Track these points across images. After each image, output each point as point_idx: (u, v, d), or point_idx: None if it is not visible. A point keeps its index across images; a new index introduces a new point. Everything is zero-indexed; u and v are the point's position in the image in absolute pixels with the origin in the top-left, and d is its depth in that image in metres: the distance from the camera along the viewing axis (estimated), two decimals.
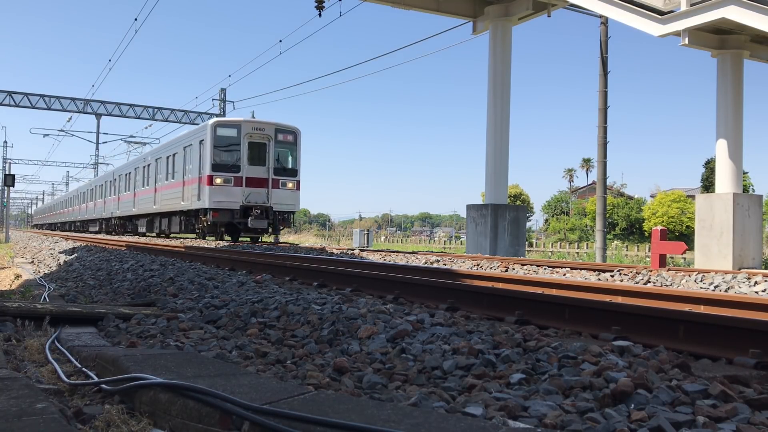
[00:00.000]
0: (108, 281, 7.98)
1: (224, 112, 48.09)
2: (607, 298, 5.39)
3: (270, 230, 21.73)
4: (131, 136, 53.25)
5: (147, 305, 5.19)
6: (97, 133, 53.52)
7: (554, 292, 5.91)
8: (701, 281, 7.81)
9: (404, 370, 2.80)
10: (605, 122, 21.02)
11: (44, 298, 5.71)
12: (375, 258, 13.49)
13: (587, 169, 78.36)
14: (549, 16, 18.04)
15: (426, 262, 12.15)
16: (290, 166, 22.33)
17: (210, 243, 21.25)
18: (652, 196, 52.23)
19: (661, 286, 7.79)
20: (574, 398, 2.28)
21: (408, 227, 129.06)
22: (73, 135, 53.03)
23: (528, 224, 49.93)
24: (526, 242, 25.51)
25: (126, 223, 34.96)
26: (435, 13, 19.18)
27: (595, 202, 24.42)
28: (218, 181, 20.86)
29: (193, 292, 5.77)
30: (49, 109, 42.03)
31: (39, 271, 11.21)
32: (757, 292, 6.93)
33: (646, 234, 42.63)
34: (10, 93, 40.17)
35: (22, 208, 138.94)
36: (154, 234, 30.23)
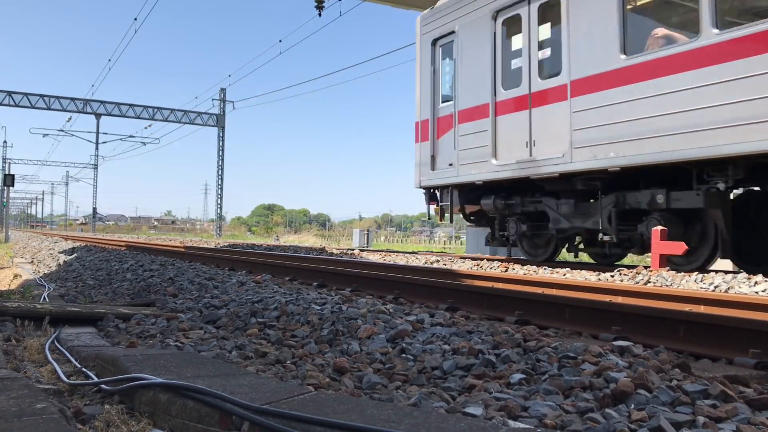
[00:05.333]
0: (108, 281, 7.98)
1: (224, 112, 48.16)
2: (607, 298, 5.39)
3: None
4: (131, 136, 53.29)
5: (147, 305, 5.19)
6: (97, 132, 53.56)
7: (554, 292, 5.90)
8: (701, 281, 7.80)
9: (404, 371, 2.80)
10: None
11: (44, 298, 5.71)
12: (375, 258, 13.49)
13: None
14: None
15: (426, 263, 12.14)
16: None
17: (210, 242, 20.78)
18: None
19: (661, 286, 7.79)
20: (574, 398, 2.28)
21: (408, 227, 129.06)
22: (72, 135, 53.11)
23: None
24: None
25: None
26: None
27: None
28: None
29: (192, 292, 5.77)
30: (49, 109, 42.07)
31: (38, 271, 11.20)
32: (757, 292, 6.93)
33: None
34: (9, 93, 40.20)
35: (22, 208, 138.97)
36: None
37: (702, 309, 4.85)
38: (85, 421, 2.11)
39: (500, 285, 6.31)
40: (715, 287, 7.34)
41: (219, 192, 49.37)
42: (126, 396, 2.35)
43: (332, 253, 16.51)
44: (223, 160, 48.53)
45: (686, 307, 4.73)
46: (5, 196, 45.57)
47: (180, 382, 2.17)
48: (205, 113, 47.33)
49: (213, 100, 47.85)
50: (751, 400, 2.25)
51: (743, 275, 7.56)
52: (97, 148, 55.92)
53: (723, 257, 8.32)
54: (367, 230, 35.49)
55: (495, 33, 10.25)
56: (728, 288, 7.24)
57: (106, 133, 66.33)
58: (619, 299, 5.40)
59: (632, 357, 2.85)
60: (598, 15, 8.43)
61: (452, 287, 5.41)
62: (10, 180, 37.77)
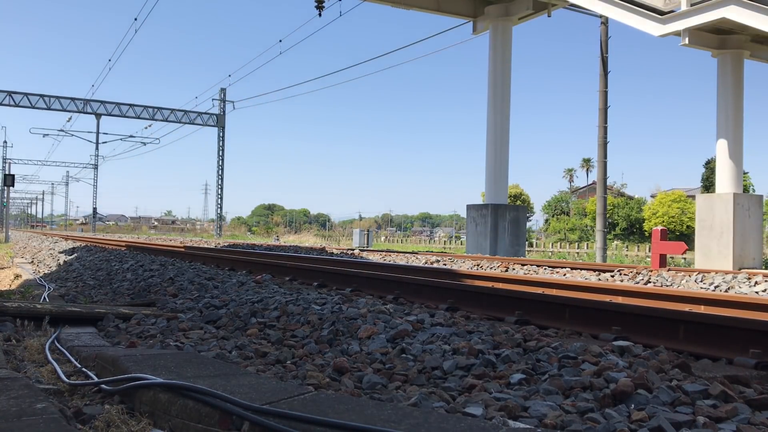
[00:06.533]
0: (108, 281, 7.98)
1: (224, 112, 48.16)
2: (607, 298, 5.39)
3: None
4: (131, 136, 53.27)
5: (147, 305, 5.19)
6: (97, 132, 53.58)
7: (554, 292, 5.91)
8: (701, 281, 7.80)
9: (404, 371, 2.80)
10: (605, 122, 21.04)
11: (44, 298, 5.71)
12: (375, 258, 13.50)
13: (587, 169, 78.34)
14: (549, 16, 18.09)
15: (426, 262, 12.15)
16: None
17: (210, 242, 20.87)
18: (652, 196, 52.15)
19: (662, 286, 7.79)
20: (574, 398, 2.28)
21: (408, 227, 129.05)
22: (73, 135, 53.07)
23: (528, 224, 49.83)
24: (526, 242, 25.50)
25: None
26: (435, 13, 19.21)
27: (596, 202, 24.42)
28: None
29: (193, 292, 5.77)
30: (49, 109, 42.06)
31: (39, 271, 11.21)
32: (757, 292, 6.93)
33: (647, 234, 42.61)
34: (9, 93, 40.19)
35: (22, 208, 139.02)
36: None
37: (702, 309, 4.85)
38: (85, 421, 2.11)
39: (500, 285, 6.32)
40: (716, 287, 7.34)
41: (219, 192, 49.38)
42: (126, 396, 2.35)
43: (332, 253, 16.52)
44: (223, 160, 48.54)
45: (686, 307, 4.73)
46: (5, 196, 45.57)
47: (180, 382, 2.17)
48: (205, 113, 47.31)
49: (213, 100, 47.84)
50: (751, 400, 2.25)
51: (743, 275, 7.56)
52: (97, 148, 55.95)
53: None
54: (367, 230, 35.45)
55: None
56: (728, 288, 7.23)
57: (106, 133, 66.26)
58: (619, 299, 5.40)
59: (632, 357, 2.85)
60: None
61: (452, 287, 5.41)
62: (10, 180, 37.78)
